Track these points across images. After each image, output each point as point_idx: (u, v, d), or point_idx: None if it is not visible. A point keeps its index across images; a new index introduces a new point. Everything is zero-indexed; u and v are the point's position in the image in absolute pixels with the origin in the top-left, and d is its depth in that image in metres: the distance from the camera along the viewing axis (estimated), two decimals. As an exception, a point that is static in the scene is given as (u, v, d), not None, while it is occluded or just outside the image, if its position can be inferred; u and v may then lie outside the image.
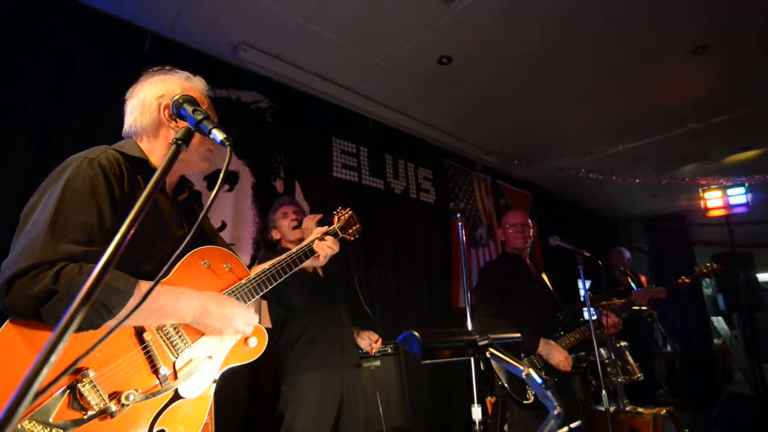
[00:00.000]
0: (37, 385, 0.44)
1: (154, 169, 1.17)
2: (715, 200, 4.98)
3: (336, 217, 1.67)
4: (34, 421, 0.85)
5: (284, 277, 1.35)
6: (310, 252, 1.45)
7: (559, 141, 4.57)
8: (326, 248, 1.50)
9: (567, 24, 2.74)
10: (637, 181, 5.23)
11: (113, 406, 0.93)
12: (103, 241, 0.98)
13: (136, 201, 0.60)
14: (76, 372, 0.91)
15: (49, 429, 0.86)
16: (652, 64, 3.20)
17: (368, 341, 2.39)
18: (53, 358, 0.46)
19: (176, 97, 0.93)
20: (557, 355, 2.32)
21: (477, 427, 1.61)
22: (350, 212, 1.69)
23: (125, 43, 2.51)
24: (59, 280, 0.88)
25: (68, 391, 0.90)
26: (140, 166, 1.15)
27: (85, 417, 0.91)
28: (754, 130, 4.32)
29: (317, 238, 1.52)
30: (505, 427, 2.43)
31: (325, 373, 2.03)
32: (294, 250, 1.43)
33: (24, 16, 2.20)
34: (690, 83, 3.53)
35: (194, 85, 1.26)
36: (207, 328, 1.12)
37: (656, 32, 2.85)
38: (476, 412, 1.63)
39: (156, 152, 1.20)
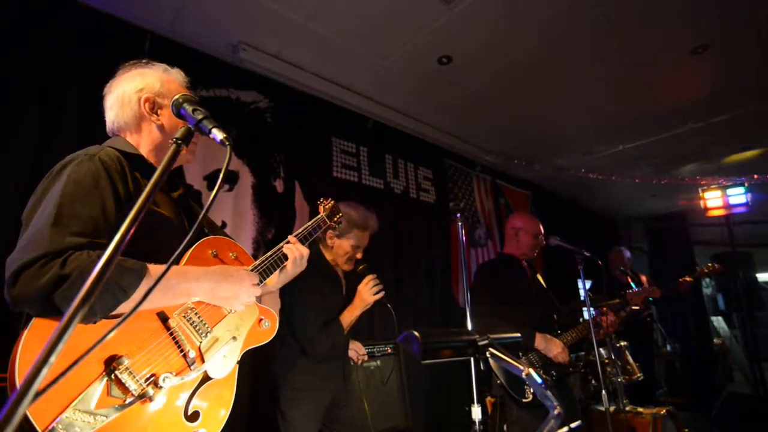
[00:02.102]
0: (40, 382, 0.44)
1: (149, 165, 1.18)
2: (714, 200, 4.98)
3: (321, 207, 1.74)
4: (78, 411, 0.86)
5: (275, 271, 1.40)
6: (284, 257, 1.43)
7: (559, 141, 4.56)
8: (294, 250, 1.43)
9: (567, 24, 2.74)
10: (637, 181, 5.23)
11: (151, 390, 0.96)
12: (107, 234, 0.99)
13: (137, 197, 0.60)
14: (111, 360, 0.93)
15: (92, 417, 0.88)
16: (652, 64, 3.20)
17: (355, 353, 2.40)
18: (60, 347, 0.46)
19: (176, 97, 0.93)
20: (554, 347, 2.35)
21: (477, 427, 1.61)
22: (332, 202, 1.79)
23: (125, 43, 2.51)
24: (68, 265, 0.87)
25: (106, 379, 0.92)
26: (136, 162, 1.15)
27: (126, 402, 0.93)
28: (753, 130, 4.31)
29: (284, 242, 1.47)
30: (505, 427, 2.43)
31: (326, 375, 2.05)
32: (269, 253, 1.41)
33: (24, 16, 2.20)
34: (690, 83, 3.52)
35: (172, 77, 1.26)
36: (221, 301, 1.16)
37: (656, 32, 2.85)
38: (476, 412, 1.63)
39: (142, 147, 1.19)
